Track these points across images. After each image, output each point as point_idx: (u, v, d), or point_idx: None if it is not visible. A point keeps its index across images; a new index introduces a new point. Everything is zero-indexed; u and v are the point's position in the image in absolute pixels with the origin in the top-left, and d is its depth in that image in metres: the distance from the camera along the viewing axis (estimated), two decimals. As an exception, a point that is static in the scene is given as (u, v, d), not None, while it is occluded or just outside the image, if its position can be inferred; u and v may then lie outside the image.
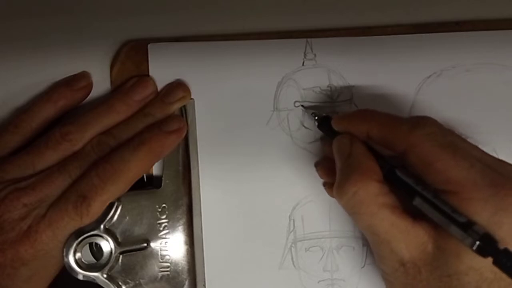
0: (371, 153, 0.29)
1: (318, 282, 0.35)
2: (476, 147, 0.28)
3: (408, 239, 0.27)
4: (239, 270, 0.35)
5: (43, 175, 0.31)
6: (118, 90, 0.35)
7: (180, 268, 0.33)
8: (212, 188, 0.35)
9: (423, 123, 0.28)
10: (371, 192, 0.28)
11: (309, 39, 0.35)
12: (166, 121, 0.33)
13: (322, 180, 0.35)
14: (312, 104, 0.35)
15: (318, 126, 0.34)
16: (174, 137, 0.33)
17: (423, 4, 0.36)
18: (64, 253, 0.31)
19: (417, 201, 0.27)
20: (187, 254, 0.34)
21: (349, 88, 0.35)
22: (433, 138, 0.27)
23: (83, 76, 0.35)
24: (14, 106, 0.35)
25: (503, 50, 0.35)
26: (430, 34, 0.35)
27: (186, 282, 0.33)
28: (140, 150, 0.32)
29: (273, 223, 0.35)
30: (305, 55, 0.36)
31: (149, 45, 0.35)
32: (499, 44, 0.35)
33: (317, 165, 0.35)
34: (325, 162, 0.35)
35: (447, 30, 0.35)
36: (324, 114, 0.34)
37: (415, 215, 0.27)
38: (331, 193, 0.34)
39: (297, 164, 0.35)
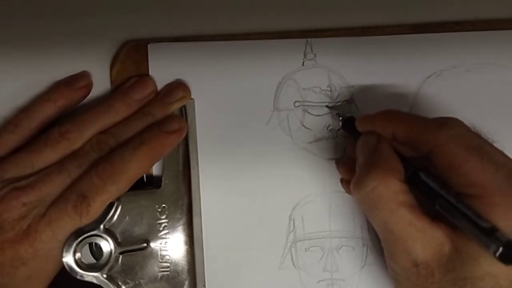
0: (396, 154, 0.29)
1: (318, 282, 0.35)
2: (502, 152, 0.28)
3: (425, 239, 0.27)
4: (239, 270, 0.35)
5: (42, 174, 0.31)
6: (117, 89, 0.35)
7: (180, 268, 0.33)
8: (212, 188, 0.35)
9: (450, 124, 0.28)
10: (392, 189, 0.27)
11: (309, 39, 0.35)
12: (166, 121, 0.33)
13: (322, 181, 0.35)
14: (337, 104, 0.35)
15: (342, 127, 0.34)
16: (175, 137, 0.33)
17: (423, 4, 0.36)
18: (64, 253, 0.31)
19: (440, 204, 0.27)
20: (187, 254, 0.34)
21: (349, 88, 0.35)
22: (460, 139, 0.27)
23: (83, 76, 0.35)
24: (15, 106, 0.35)
25: (503, 50, 0.35)
26: (430, 34, 0.35)
27: (186, 282, 0.33)
28: (141, 150, 0.32)
29: (273, 223, 0.35)
30: (305, 55, 0.36)
31: (149, 45, 0.35)
32: (499, 44, 0.35)
33: (338, 162, 0.35)
34: (346, 160, 0.35)
35: (447, 30, 0.35)
36: (348, 115, 0.34)
37: (433, 218, 0.27)
38: (347, 190, 0.34)
39: (297, 164, 0.35)
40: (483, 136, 0.29)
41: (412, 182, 0.28)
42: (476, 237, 0.25)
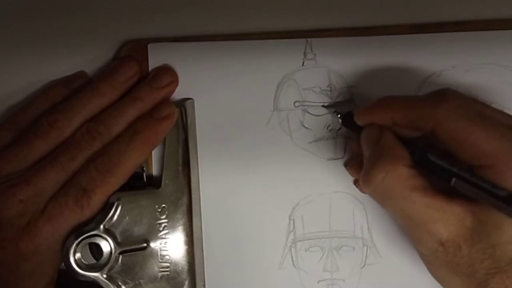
0: (400, 140, 0.29)
1: (318, 282, 0.35)
2: (502, 112, 0.28)
3: (445, 217, 0.27)
4: (239, 270, 0.35)
5: (35, 168, 0.31)
6: (101, 73, 0.35)
7: (180, 268, 0.33)
8: (212, 188, 0.35)
9: (446, 98, 0.28)
10: (400, 176, 0.27)
11: (309, 39, 0.35)
12: (157, 109, 0.33)
13: (322, 181, 0.35)
14: (332, 102, 0.35)
15: (342, 123, 0.34)
16: (167, 124, 0.33)
17: (423, 4, 0.36)
18: (64, 254, 0.31)
19: (455, 182, 0.27)
20: (187, 254, 0.33)
21: (349, 88, 0.35)
22: (459, 111, 0.27)
23: (81, 76, 0.35)
24: (14, 105, 0.35)
25: (503, 50, 0.35)
26: (430, 34, 0.35)
27: (186, 282, 0.33)
28: (136, 140, 0.32)
29: (273, 223, 0.35)
30: (305, 55, 0.36)
31: (149, 45, 0.35)
32: (499, 44, 0.35)
33: (346, 164, 0.35)
34: (353, 159, 0.35)
35: (447, 30, 0.35)
36: (346, 111, 0.33)
37: (449, 195, 0.27)
38: (363, 190, 0.34)
39: (297, 164, 0.35)
40: (479, 99, 0.29)
41: (422, 164, 0.28)
42: (497, 207, 0.25)
